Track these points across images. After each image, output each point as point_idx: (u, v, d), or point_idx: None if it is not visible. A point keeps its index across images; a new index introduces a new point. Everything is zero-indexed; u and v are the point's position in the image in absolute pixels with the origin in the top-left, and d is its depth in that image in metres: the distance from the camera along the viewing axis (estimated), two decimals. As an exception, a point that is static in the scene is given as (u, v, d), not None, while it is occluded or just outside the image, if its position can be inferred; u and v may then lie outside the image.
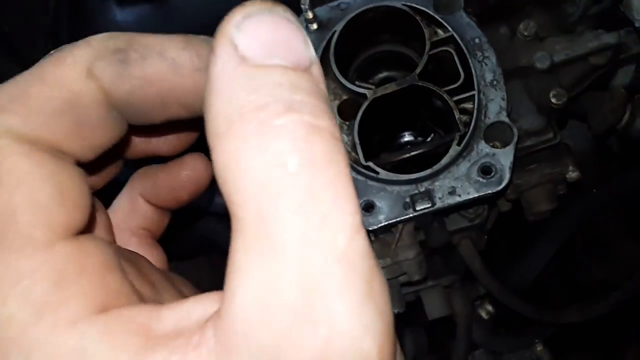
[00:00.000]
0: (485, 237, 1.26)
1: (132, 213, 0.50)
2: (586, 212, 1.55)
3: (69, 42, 0.36)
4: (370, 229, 0.95)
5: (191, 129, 0.48)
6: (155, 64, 0.35)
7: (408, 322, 1.49)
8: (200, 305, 0.31)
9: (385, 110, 1.07)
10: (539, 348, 1.45)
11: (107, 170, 0.46)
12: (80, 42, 0.35)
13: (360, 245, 0.27)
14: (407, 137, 1.16)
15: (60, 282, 0.29)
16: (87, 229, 0.34)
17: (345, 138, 1.04)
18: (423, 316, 1.30)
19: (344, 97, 1.06)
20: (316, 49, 1.09)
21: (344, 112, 1.06)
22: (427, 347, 1.58)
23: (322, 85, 0.28)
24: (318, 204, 0.26)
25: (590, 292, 1.92)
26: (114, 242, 0.46)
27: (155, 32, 0.38)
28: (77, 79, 0.34)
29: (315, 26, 1.10)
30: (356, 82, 1.10)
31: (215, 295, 0.32)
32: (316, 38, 1.10)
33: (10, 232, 0.29)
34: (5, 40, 1.16)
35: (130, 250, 0.45)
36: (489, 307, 1.58)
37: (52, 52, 0.35)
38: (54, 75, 0.33)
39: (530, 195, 1.14)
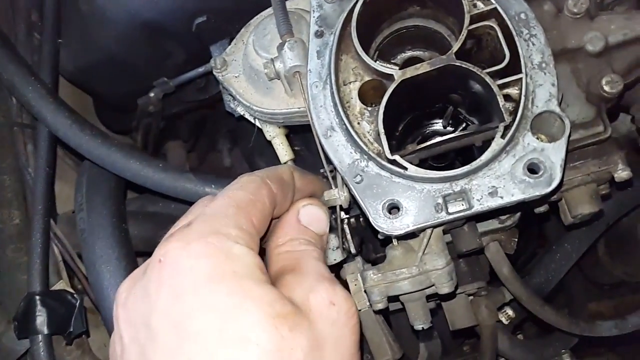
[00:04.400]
0: (515, 239, 1.13)
1: None
2: (619, 214, 1.42)
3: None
4: (396, 234, 0.81)
5: None
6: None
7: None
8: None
9: (413, 95, 0.92)
10: (566, 358, 1.33)
11: None
12: None
13: None
14: (436, 127, 1.02)
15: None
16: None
17: (367, 126, 0.89)
18: (441, 322, 1.18)
19: (366, 78, 0.92)
20: (334, 22, 0.95)
21: (366, 95, 0.91)
22: (440, 352, 1.47)
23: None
24: None
25: (609, 290, 1.83)
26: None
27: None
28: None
29: (334, -5, 0.95)
30: (378, 62, 0.96)
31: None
32: (335, 9, 0.95)
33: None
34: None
35: None
36: (510, 312, 1.47)
37: None
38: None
39: (571, 196, 1.00)
